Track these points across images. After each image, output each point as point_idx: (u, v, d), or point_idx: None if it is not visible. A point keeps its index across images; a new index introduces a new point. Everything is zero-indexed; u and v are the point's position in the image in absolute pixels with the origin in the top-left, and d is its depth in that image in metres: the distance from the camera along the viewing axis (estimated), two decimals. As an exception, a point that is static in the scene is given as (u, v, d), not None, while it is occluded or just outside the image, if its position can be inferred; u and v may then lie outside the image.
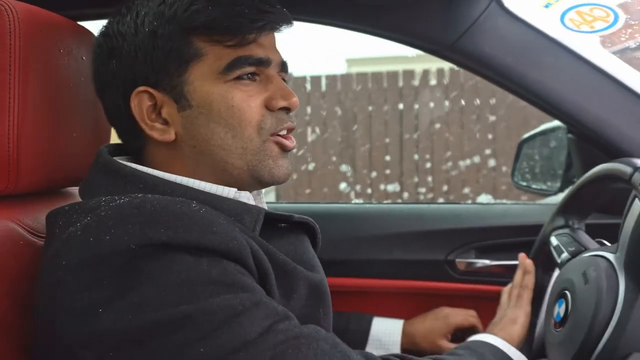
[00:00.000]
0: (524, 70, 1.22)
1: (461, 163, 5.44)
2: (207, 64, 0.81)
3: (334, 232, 1.42)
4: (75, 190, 0.98)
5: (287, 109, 0.85)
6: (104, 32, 0.85)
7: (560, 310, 0.91)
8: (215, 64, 0.81)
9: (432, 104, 5.47)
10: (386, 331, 1.24)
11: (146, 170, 0.82)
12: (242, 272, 0.71)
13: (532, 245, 1.15)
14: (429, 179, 5.49)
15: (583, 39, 1.17)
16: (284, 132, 0.85)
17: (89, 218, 0.71)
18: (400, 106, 5.49)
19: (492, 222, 1.46)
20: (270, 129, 0.83)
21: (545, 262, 1.11)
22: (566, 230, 1.08)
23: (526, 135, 1.87)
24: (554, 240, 1.07)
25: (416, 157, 5.49)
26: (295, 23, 0.89)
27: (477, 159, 5.42)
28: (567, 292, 0.90)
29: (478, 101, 5.38)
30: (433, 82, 5.51)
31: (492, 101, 5.37)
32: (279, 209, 1.16)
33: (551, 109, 1.26)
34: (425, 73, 5.56)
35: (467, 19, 1.20)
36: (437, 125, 5.47)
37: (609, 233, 1.36)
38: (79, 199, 0.85)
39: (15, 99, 0.80)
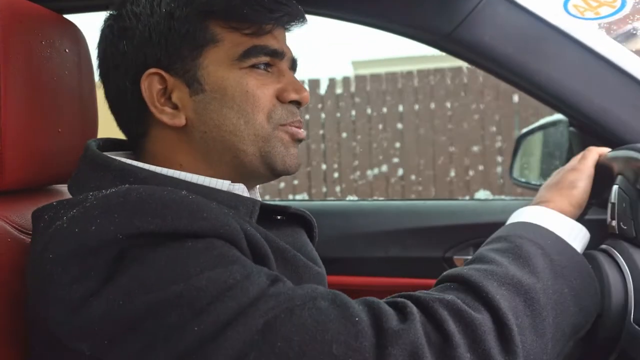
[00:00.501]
0: (525, 61, 1.18)
1: (369, 172, 5.44)
2: (223, 50, 0.81)
3: (329, 229, 1.40)
4: (62, 187, 0.97)
5: (297, 103, 0.86)
6: (115, 14, 0.84)
7: None
8: (232, 50, 0.81)
9: (338, 114, 5.48)
10: None
11: (136, 164, 0.80)
12: (232, 248, 0.70)
13: None
14: (337, 188, 5.51)
15: (587, 26, 1.13)
16: (297, 126, 0.86)
17: (74, 211, 0.70)
18: (307, 117, 5.50)
19: (490, 219, 1.42)
20: (280, 119, 0.83)
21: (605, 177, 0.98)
22: (630, 189, 0.92)
23: (525, 130, 1.84)
24: (614, 192, 0.94)
25: (324, 166, 5.50)
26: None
27: (385, 168, 5.42)
28: None
29: (385, 109, 5.37)
30: (339, 90, 5.52)
31: (400, 109, 5.36)
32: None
33: (553, 101, 1.22)
34: (332, 82, 5.58)
35: (465, 6, 1.15)
36: (344, 135, 5.48)
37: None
38: (66, 196, 0.83)
39: None
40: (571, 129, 1.38)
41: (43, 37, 0.87)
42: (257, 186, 0.93)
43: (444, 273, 0.79)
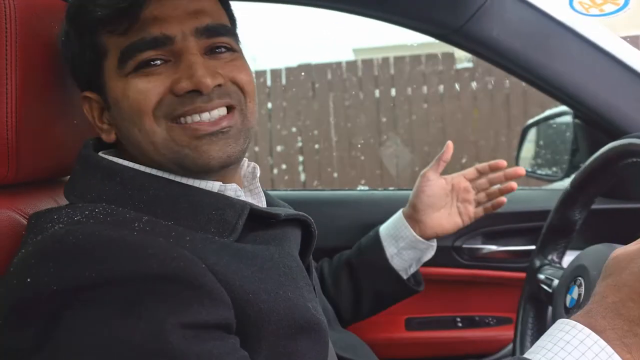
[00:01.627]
0: (531, 55, 1.21)
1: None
2: (111, 60, 0.75)
3: (341, 219, 1.42)
4: None
5: (197, 92, 0.74)
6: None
7: (573, 295, 0.90)
8: (114, 58, 0.75)
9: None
10: (389, 226, 1.18)
11: (125, 164, 0.78)
12: (186, 300, 0.63)
13: (539, 230, 1.14)
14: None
15: (592, 22, 1.16)
16: (196, 118, 0.75)
17: (22, 251, 0.67)
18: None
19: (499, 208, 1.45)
20: (167, 114, 0.74)
21: (538, 298, 1.08)
22: (549, 267, 1.07)
23: (530, 121, 1.87)
24: (541, 276, 1.05)
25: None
26: (298, 8, 0.82)
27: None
28: (580, 279, 0.90)
29: None
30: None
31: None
32: (281, 196, 1.14)
33: (558, 94, 1.25)
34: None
35: (474, 2, 1.18)
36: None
37: (616, 219, 1.36)
38: None
39: (13, 85, 0.77)
40: (576, 120, 1.42)
41: (58, 29, 0.85)
42: (258, 183, 0.88)
43: None
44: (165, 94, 0.73)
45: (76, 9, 0.77)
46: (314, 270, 0.97)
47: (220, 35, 0.77)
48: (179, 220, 0.72)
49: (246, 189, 0.87)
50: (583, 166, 1.01)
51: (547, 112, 1.75)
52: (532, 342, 1.06)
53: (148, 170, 0.77)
